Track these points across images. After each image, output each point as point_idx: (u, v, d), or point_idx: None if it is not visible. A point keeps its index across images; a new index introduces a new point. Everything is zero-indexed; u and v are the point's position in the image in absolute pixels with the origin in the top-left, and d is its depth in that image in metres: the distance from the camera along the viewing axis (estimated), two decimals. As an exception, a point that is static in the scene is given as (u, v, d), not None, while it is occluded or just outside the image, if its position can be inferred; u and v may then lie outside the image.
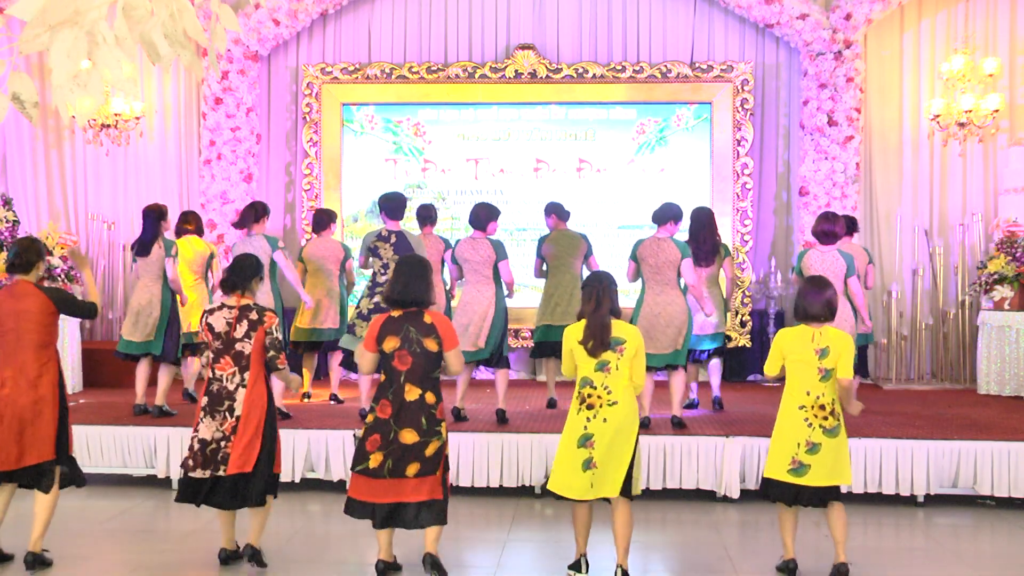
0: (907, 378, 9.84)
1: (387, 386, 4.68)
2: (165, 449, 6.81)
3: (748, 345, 9.83)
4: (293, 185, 10.51)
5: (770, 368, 4.93)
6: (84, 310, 5.25)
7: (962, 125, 9.26)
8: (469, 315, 7.05)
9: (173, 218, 7.92)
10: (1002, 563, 5.44)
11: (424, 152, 10.30)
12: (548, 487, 4.81)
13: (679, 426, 6.76)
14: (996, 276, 8.88)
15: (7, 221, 9.14)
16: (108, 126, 9.65)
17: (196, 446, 4.86)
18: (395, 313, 4.70)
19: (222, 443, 4.83)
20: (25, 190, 10.37)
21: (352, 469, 4.73)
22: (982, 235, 9.71)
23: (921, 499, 6.47)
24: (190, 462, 4.87)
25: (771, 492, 4.89)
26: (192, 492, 4.93)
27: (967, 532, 6.10)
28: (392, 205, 7.16)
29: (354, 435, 6.61)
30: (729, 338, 9.69)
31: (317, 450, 6.73)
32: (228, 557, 5.07)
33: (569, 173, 10.20)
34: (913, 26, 9.96)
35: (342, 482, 6.71)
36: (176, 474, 6.80)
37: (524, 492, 6.69)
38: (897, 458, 6.45)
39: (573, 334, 4.72)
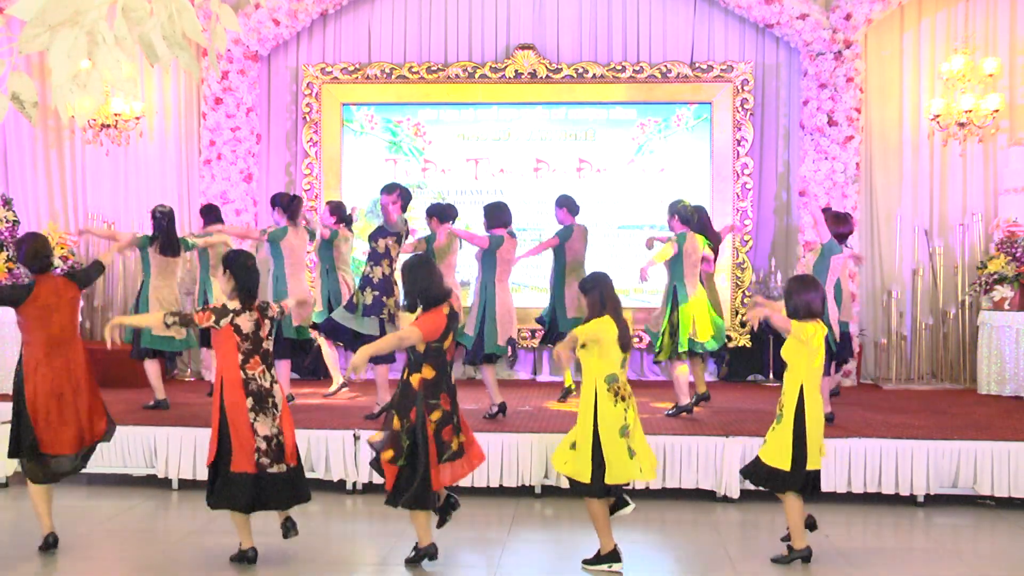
0: (907, 378, 9.83)
1: (441, 379, 4.93)
2: (165, 449, 6.81)
3: (748, 345, 9.82)
4: (293, 185, 10.50)
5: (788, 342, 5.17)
6: (95, 272, 5.81)
7: (962, 125, 9.26)
8: (504, 312, 7.29)
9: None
10: (1002, 563, 5.44)
11: (424, 152, 10.30)
12: (607, 482, 4.95)
13: (706, 399, 7.43)
14: (996, 276, 8.88)
15: (7, 221, 9.14)
16: (108, 126, 9.65)
17: (263, 445, 4.95)
18: (446, 309, 4.97)
19: (279, 437, 5.01)
20: (25, 190, 10.36)
21: (440, 461, 4.91)
22: (982, 235, 9.71)
23: (921, 499, 6.47)
24: (264, 460, 4.94)
25: (782, 481, 5.11)
26: (264, 491, 4.98)
27: (967, 532, 6.11)
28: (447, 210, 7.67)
29: (354, 435, 6.65)
30: (730, 338, 9.71)
31: (317, 450, 6.73)
32: (245, 557, 5.15)
33: (569, 173, 10.20)
34: (913, 26, 9.95)
35: (342, 482, 6.72)
36: (175, 474, 6.81)
37: (524, 492, 6.69)
38: (897, 458, 6.45)
39: (611, 329, 4.98)
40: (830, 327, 6.89)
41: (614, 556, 5.08)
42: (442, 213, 7.68)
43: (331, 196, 10.15)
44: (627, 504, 5.15)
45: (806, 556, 5.18)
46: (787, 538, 5.27)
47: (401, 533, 5.83)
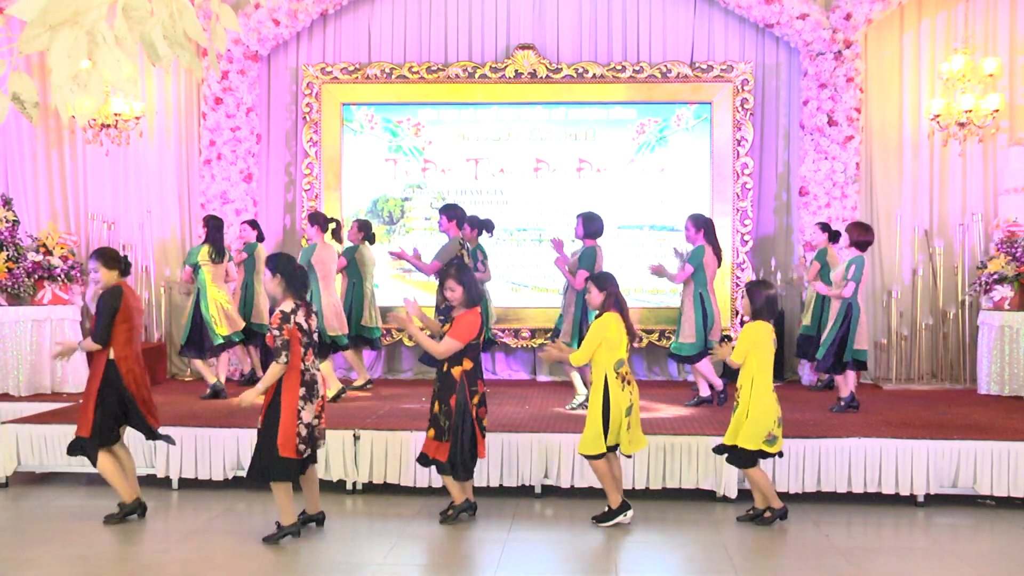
0: (907, 378, 9.84)
1: (477, 369, 5.79)
2: (165, 448, 6.80)
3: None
4: (293, 185, 10.51)
5: (739, 357, 5.78)
6: None
7: (962, 125, 9.26)
8: None
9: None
10: (1002, 563, 5.44)
11: (424, 152, 10.30)
12: (611, 442, 5.72)
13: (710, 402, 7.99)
14: (996, 276, 8.88)
15: (7, 221, 9.13)
16: (108, 126, 9.64)
17: (304, 431, 5.41)
18: (479, 308, 5.82)
19: (315, 421, 5.50)
20: (25, 190, 10.36)
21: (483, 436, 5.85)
22: (982, 235, 9.71)
23: (921, 499, 6.47)
24: (301, 446, 5.40)
25: (741, 459, 5.81)
26: (297, 471, 5.50)
27: (967, 532, 6.10)
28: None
29: (354, 435, 6.65)
30: (729, 338, 9.71)
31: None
32: (287, 533, 5.60)
33: (569, 173, 10.20)
34: (913, 26, 9.96)
35: (342, 482, 6.72)
36: (175, 474, 6.82)
37: (524, 492, 6.69)
38: (897, 458, 6.45)
39: (620, 323, 5.71)
40: (854, 332, 7.62)
41: (624, 507, 5.85)
42: (482, 226, 8.53)
43: (331, 196, 10.18)
44: (629, 508, 5.89)
45: (783, 514, 5.89)
46: (745, 517, 5.99)
47: (401, 532, 5.83)
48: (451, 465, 5.72)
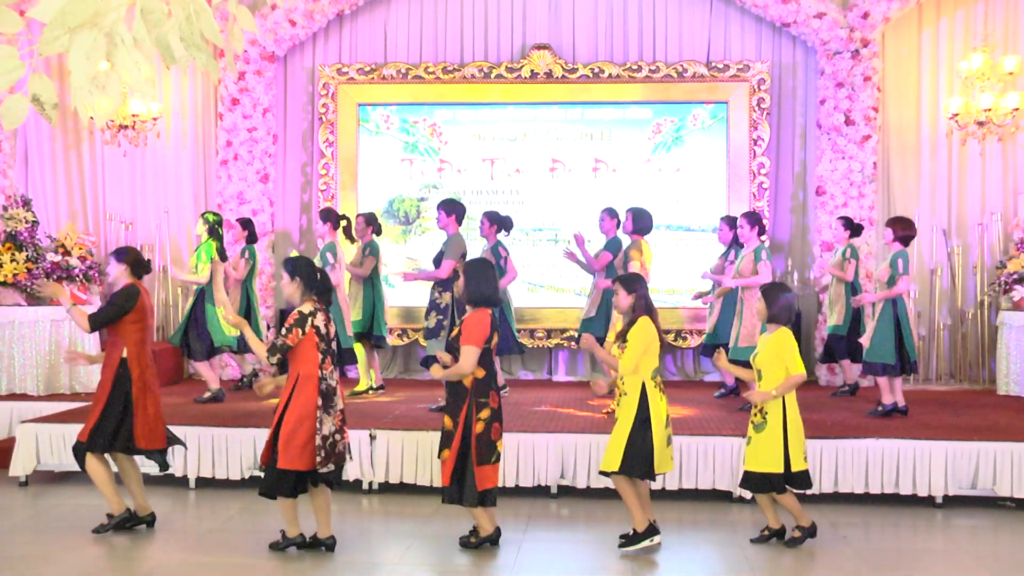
0: (925, 378, 9.77)
1: (491, 379, 5.21)
2: (182, 448, 6.81)
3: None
4: (309, 185, 10.53)
5: (797, 368, 5.33)
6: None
7: (981, 124, 9.19)
8: None
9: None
10: (1021, 565, 5.40)
11: (440, 152, 10.31)
12: (658, 471, 5.24)
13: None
14: (1016, 276, 8.82)
15: (26, 222, 9.20)
16: (126, 127, 9.69)
17: (320, 442, 5.07)
18: (491, 311, 5.28)
19: (336, 436, 5.16)
20: (44, 191, 10.43)
21: (487, 463, 5.16)
22: (1001, 235, 9.64)
23: (939, 500, 6.43)
24: (316, 458, 5.08)
25: (806, 483, 5.43)
26: (302, 485, 5.19)
27: (986, 534, 6.06)
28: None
29: (370, 435, 6.66)
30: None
31: (333, 450, 6.73)
32: (292, 543, 5.37)
33: (585, 173, 10.19)
34: (931, 24, 9.89)
35: (358, 482, 6.73)
36: (193, 473, 6.85)
37: (540, 492, 6.69)
38: (915, 459, 6.41)
39: (653, 328, 5.23)
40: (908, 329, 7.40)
41: (651, 531, 5.33)
42: (501, 223, 8.14)
43: (347, 196, 10.19)
44: (657, 532, 5.38)
45: (812, 533, 5.51)
46: (759, 539, 5.58)
47: (417, 533, 5.84)
48: (454, 490, 5.18)
